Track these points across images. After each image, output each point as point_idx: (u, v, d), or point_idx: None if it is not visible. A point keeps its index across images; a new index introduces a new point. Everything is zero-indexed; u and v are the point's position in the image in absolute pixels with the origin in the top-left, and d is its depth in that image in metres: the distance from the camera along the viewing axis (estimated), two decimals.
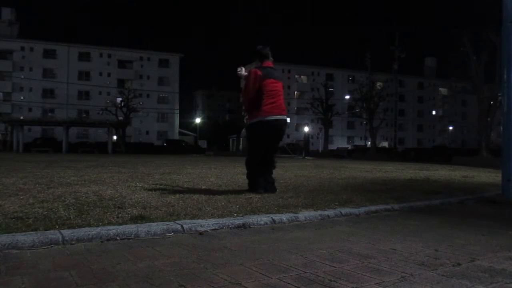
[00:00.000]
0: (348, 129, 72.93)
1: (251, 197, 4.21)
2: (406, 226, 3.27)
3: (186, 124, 74.33)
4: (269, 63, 4.69)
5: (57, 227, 2.64)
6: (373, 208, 3.93)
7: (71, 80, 58.36)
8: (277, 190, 4.73)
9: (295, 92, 70.75)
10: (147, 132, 61.61)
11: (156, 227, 2.74)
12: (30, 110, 55.70)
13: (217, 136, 75.38)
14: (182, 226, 2.81)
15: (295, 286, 1.78)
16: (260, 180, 4.60)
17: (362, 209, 3.82)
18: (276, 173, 8.43)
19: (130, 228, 2.68)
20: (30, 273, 1.89)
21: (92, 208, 3.38)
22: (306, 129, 47.82)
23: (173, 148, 38.51)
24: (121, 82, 59.48)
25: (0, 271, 1.91)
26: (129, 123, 41.47)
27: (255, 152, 4.68)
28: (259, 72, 4.53)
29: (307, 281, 1.85)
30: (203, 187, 5.21)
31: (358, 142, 67.98)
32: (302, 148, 37.89)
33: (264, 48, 4.71)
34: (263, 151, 4.66)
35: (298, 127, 67.87)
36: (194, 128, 69.67)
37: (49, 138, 43.66)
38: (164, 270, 1.98)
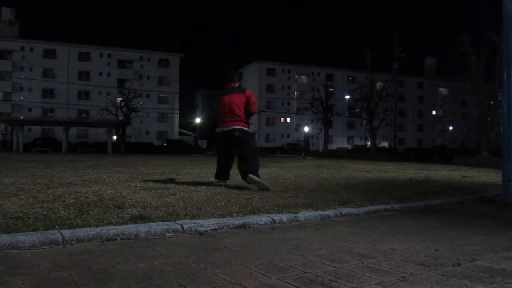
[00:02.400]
0: (348, 129, 72.84)
1: (251, 197, 4.22)
2: (406, 226, 3.27)
3: (186, 124, 74.29)
4: (234, 84, 5.57)
5: (57, 227, 2.64)
6: (373, 208, 3.93)
7: (71, 80, 58.35)
8: (247, 182, 5.02)
9: (295, 92, 70.67)
10: (147, 132, 61.59)
11: (156, 227, 2.74)
12: (30, 110, 55.66)
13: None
14: (182, 226, 2.81)
15: (295, 286, 1.78)
16: (218, 173, 5.63)
17: (362, 209, 3.82)
18: (276, 173, 8.47)
19: (130, 228, 2.68)
20: (30, 273, 1.89)
21: (92, 208, 3.38)
22: (306, 129, 47.66)
23: (173, 148, 38.50)
24: (121, 82, 59.41)
25: (0, 271, 1.91)
26: (129, 123, 41.45)
27: (218, 154, 5.75)
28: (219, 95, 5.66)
29: (307, 281, 1.85)
30: (203, 187, 5.21)
31: (358, 142, 67.93)
32: (302, 148, 37.85)
33: (234, 73, 5.70)
34: (223, 154, 5.57)
35: (298, 127, 67.78)
36: (194, 128, 69.63)
37: (49, 138, 43.61)
38: (164, 270, 1.98)
